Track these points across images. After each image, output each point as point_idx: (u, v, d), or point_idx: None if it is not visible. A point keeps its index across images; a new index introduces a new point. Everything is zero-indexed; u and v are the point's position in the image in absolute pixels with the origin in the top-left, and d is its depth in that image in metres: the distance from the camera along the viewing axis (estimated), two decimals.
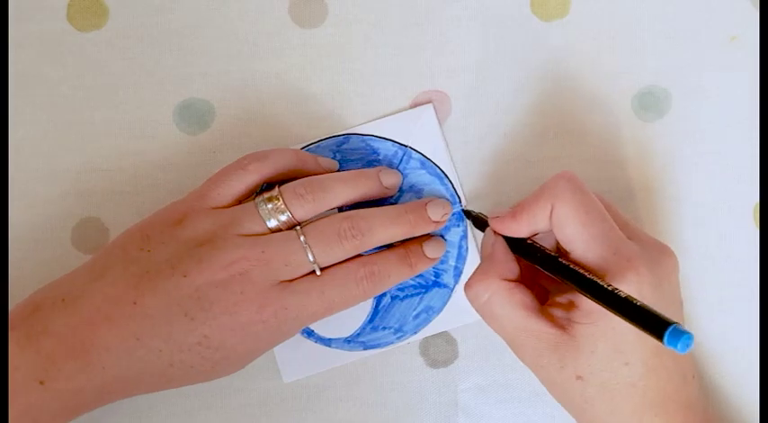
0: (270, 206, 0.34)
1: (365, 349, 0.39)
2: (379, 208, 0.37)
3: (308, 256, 0.34)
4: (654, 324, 0.27)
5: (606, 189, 0.40)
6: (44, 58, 0.40)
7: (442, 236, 0.39)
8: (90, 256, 0.39)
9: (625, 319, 0.29)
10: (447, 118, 0.40)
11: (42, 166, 0.40)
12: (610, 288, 0.30)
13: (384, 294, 0.39)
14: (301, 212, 0.35)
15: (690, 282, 0.40)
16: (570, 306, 0.33)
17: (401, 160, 0.39)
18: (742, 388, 0.39)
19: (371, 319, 0.39)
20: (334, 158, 0.39)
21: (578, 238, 0.33)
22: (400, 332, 0.39)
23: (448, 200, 0.39)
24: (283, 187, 0.35)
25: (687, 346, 0.26)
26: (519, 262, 0.35)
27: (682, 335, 0.26)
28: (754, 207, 0.40)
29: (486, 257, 0.36)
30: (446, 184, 0.39)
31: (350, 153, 0.39)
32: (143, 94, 0.40)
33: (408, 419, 0.39)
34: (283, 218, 0.34)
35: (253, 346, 0.35)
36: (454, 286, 0.39)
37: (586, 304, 0.32)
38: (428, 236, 0.38)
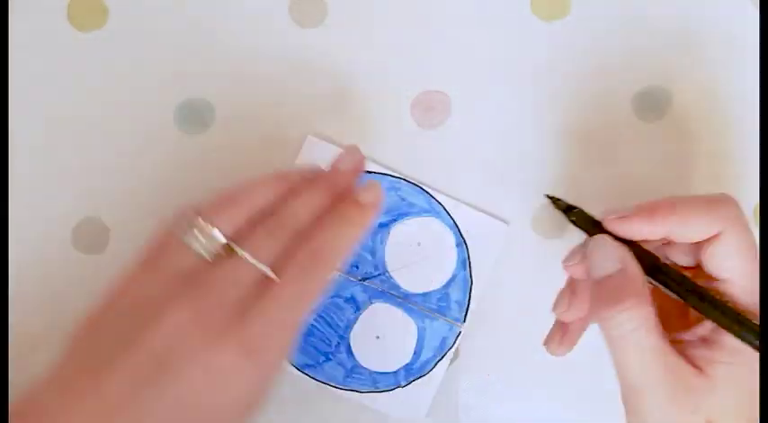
0: (195, 231, 0.29)
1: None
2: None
3: (249, 260, 0.29)
4: None
5: (606, 189, 0.40)
6: (44, 58, 0.40)
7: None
8: (90, 256, 0.39)
9: None
10: (447, 118, 0.40)
11: (42, 166, 0.40)
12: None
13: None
14: (229, 226, 0.30)
15: None
16: (708, 343, 0.30)
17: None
18: None
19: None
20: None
21: (742, 274, 0.29)
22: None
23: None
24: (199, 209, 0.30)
25: None
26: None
27: None
28: (754, 207, 0.40)
29: (615, 276, 0.29)
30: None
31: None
32: (143, 94, 0.40)
33: (408, 420, 0.39)
34: (216, 234, 0.29)
35: (245, 388, 0.28)
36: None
37: (731, 342, 0.29)
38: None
